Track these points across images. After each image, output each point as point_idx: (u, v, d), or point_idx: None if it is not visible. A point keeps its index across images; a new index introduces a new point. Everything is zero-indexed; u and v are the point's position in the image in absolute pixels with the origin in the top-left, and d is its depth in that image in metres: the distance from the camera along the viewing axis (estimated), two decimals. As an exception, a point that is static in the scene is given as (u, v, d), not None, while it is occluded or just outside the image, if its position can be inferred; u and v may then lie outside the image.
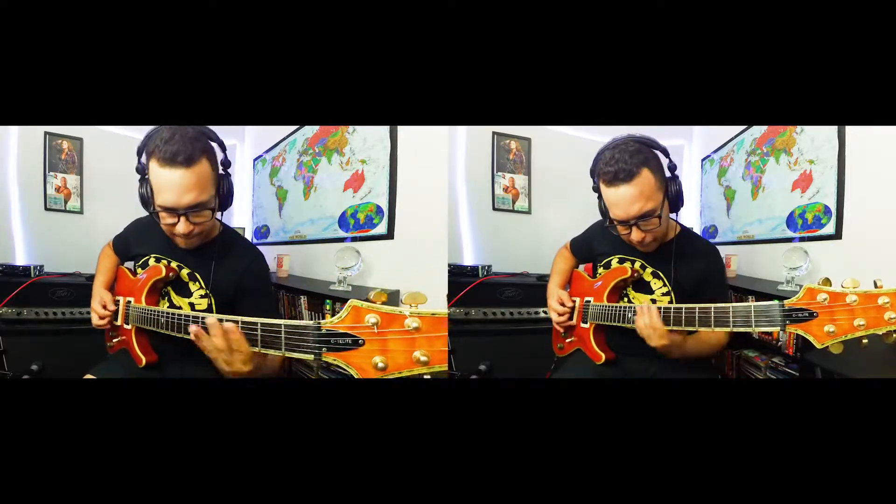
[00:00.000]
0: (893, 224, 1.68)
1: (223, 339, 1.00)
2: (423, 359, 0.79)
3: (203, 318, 1.04)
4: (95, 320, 1.39)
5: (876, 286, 0.95)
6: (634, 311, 1.29)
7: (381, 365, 0.80)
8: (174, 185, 1.18)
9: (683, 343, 1.29)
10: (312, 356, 0.85)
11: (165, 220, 1.24)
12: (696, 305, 1.18)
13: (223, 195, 1.28)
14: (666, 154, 1.36)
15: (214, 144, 1.27)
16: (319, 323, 0.84)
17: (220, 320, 1.01)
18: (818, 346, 0.98)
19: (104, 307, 1.37)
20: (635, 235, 1.34)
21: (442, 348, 0.81)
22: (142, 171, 1.25)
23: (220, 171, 1.28)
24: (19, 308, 1.97)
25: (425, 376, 0.81)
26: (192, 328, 1.05)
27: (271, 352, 0.94)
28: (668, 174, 1.36)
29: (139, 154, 1.24)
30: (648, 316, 1.24)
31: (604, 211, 1.39)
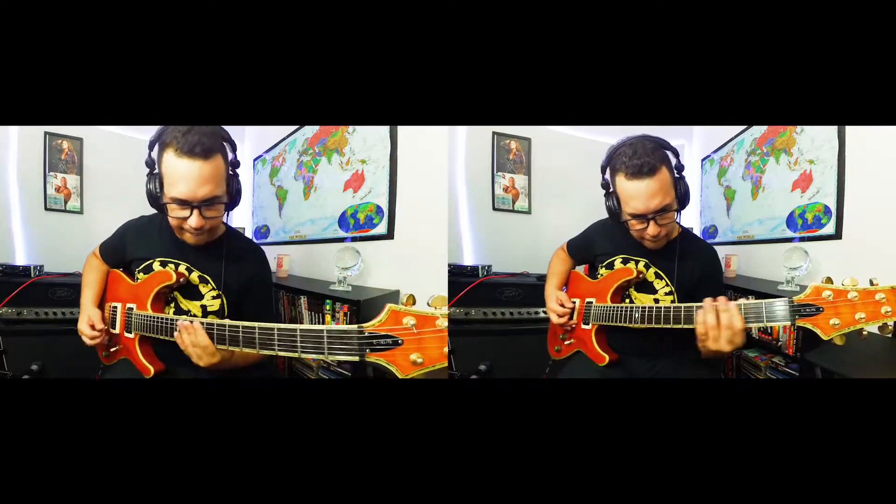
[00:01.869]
0: (893, 224, 1.68)
1: (196, 338, 1.12)
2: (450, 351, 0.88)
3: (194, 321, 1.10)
4: (86, 340, 1.32)
5: (872, 284, 1.05)
6: (640, 311, 1.30)
7: (419, 361, 0.90)
8: (191, 176, 1.17)
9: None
10: (358, 358, 0.92)
11: (176, 213, 1.21)
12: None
13: (232, 195, 1.27)
14: (676, 155, 1.37)
15: (226, 144, 1.25)
16: (362, 326, 0.91)
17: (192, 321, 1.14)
18: (824, 337, 1.06)
19: (92, 327, 1.31)
20: (652, 230, 1.34)
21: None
22: (151, 164, 1.23)
23: (230, 172, 1.27)
24: (19, 308, 1.97)
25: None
26: (180, 324, 1.14)
27: (312, 357, 0.98)
28: (676, 174, 1.36)
29: (151, 147, 1.23)
30: (728, 315, 1.13)
31: (613, 208, 1.38)
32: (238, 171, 1.29)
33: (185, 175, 1.17)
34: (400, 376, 0.90)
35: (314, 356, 0.97)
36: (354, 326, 0.92)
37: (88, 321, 1.32)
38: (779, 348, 1.93)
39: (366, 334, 0.91)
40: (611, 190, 1.39)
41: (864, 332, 1.06)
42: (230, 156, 1.27)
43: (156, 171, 1.23)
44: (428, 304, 0.91)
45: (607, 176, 1.39)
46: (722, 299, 1.15)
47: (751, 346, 2.08)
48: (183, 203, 1.19)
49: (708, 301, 1.16)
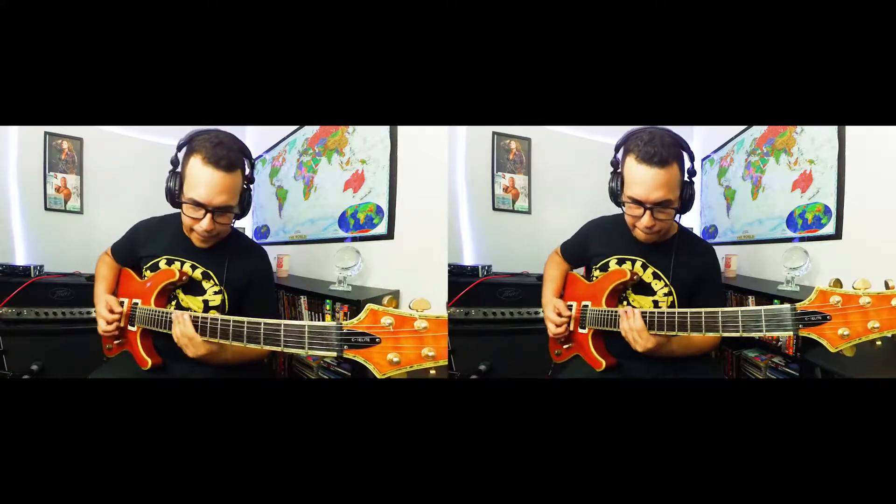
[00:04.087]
0: (893, 224, 1.68)
1: (184, 327, 1.18)
2: (431, 354, 0.92)
3: (208, 318, 1.15)
4: (103, 325, 1.37)
5: (888, 287, 0.92)
6: (624, 315, 1.29)
7: (395, 360, 0.92)
8: (212, 184, 1.25)
9: (668, 344, 1.30)
10: (335, 353, 0.95)
11: (190, 212, 1.28)
12: (703, 310, 1.16)
13: (244, 206, 1.35)
14: (691, 159, 1.36)
15: (246, 161, 1.34)
16: (341, 324, 0.95)
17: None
18: (832, 349, 0.95)
19: (111, 311, 1.37)
20: (647, 220, 1.31)
21: (444, 346, 0.94)
22: (175, 163, 1.31)
23: (244, 185, 1.34)
24: (19, 308, 1.97)
25: (431, 371, 0.93)
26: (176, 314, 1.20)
27: (293, 351, 1.01)
28: (686, 177, 1.35)
29: (179, 148, 1.31)
30: (632, 318, 1.27)
31: (615, 189, 1.36)
32: (251, 185, 1.36)
33: (207, 182, 1.25)
34: (378, 375, 0.93)
35: (295, 351, 1.01)
36: (333, 323, 0.96)
37: (107, 305, 1.38)
38: (779, 348, 1.93)
39: (344, 331, 0.94)
40: (618, 170, 1.36)
41: (878, 343, 0.93)
42: (248, 171, 1.35)
43: (178, 170, 1.31)
44: (409, 306, 0.94)
45: (619, 155, 1.35)
46: (628, 308, 1.30)
47: (751, 346, 2.08)
48: (198, 205, 1.27)
49: (622, 310, 1.30)
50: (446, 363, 0.95)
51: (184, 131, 1.32)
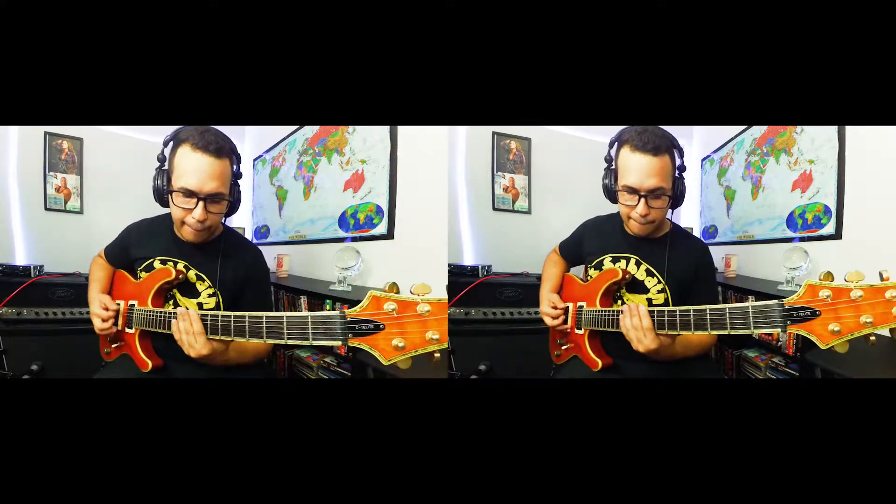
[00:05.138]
0: (893, 224, 1.68)
1: (190, 324, 1.15)
2: (435, 337, 0.92)
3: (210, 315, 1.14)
4: (98, 324, 1.36)
5: (882, 278, 0.88)
6: (629, 312, 1.26)
7: (400, 345, 0.92)
8: (202, 169, 1.24)
9: (672, 346, 1.27)
10: (340, 342, 0.94)
11: (182, 203, 1.26)
12: (691, 308, 1.13)
13: (234, 199, 1.34)
14: (681, 155, 1.37)
15: (233, 154, 1.33)
16: (344, 312, 0.94)
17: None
18: (822, 346, 0.92)
19: (105, 309, 1.36)
20: (641, 208, 1.32)
21: (445, 329, 0.94)
22: (163, 160, 1.30)
23: (232, 179, 1.33)
24: (19, 308, 1.97)
25: (436, 355, 0.93)
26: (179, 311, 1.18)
27: (297, 343, 1.01)
28: (676, 172, 1.36)
29: (165, 144, 1.30)
30: (638, 316, 1.20)
31: (609, 185, 1.38)
32: (239, 181, 1.34)
33: (197, 168, 1.24)
34: (384, 362, 0.92)
35: (300, 342, 1.00)
36: (337, 312, 0.95)
37: (101, 305, 1.37)
38: (779, 348, 1.93)
39: (348, 319, 0.94)
40: (612, 167, 1.38)
41: (872, 338, 0.89)
42: (235, 165, 1.33)
43: (165, 167, 1.30)
44: (411, 291, 0.93)
45: (613, 151, 1.38)
46: (633, 304, 1.23)
47: (751, 346, 2.08)
48: (190, 194, 1.25)
49: (625, 307, 1.24)
50: (446, 345, 0.94)
51: (184, 131, 1.32)
